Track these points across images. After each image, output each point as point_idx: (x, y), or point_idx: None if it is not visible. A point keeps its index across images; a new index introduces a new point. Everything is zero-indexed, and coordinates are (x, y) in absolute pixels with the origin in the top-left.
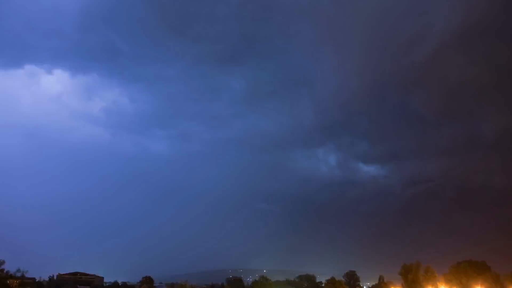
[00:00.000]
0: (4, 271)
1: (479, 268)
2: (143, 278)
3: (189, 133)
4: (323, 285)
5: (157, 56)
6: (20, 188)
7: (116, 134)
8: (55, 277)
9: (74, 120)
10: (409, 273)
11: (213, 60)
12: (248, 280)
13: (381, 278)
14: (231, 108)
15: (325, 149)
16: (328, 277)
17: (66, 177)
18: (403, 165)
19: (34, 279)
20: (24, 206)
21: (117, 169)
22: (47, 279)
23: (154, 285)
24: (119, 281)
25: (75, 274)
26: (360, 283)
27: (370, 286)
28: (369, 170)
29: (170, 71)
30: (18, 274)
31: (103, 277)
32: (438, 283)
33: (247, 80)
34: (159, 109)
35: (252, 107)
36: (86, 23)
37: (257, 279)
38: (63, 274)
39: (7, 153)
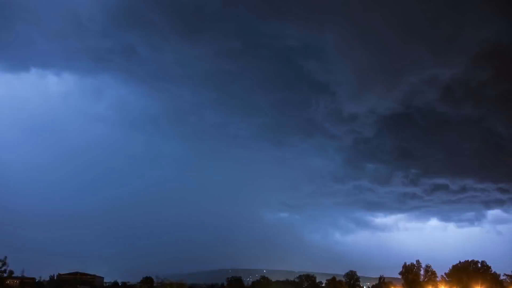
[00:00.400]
0: (6, 271)
1: (479, 268)
2: (143, 278)
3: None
4: (323, 285)
5: None
6: (21, 188)
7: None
8: (55, 277)
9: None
10: (409, 273)
11: None
12: (248, 280)
13: (381, 278)
14: None
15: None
16: (328, 277)
17: (67, 177)
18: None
19: (34, 279)
20: (25, 206)
21: (119, 168)
22: (47, 279)
23: (154, 285)
24: (119, 281)
25: (75, 274)
26: (360, 283)
27: (370, 286)
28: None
29: None
30: (18, 274)
31: (103, 277)
32: (438, 283)
33: None
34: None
35: None
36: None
37: (257, 279)
38: (63, 274)
39: (11, 153)
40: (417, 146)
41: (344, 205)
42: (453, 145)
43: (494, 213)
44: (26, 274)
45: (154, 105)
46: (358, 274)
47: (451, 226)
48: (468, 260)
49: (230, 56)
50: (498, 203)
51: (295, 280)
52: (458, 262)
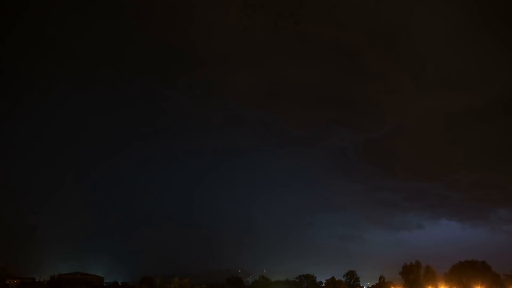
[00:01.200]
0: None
1: (479, 268)
2: (143, 278)
3: None
4: (323, 285)
5: None
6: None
7: None
8: (55, 277)
9: None
10: (409, 273)
11: None
12: (248, 280)
13: (381, 278)
14: None
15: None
16: (328, 277)
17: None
18: None
19: (34, 279)
20: (24, 205)
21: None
22: (47, 279)
23: (156, 285)
24: (119, 281)
25: (75, 274)
26: (360, 283)
27: (370, 286)
28: None
29: None
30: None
31: (103, 277)
32: (438, 283)
33: None
34: None
35: None
36: None
37: (257, 279)
38: (63, 274)
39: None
40: None
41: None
42: None
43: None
44: (26, 274)
45: None
46: (358, 274)
47: None
48: (468, 260)
49: None
50: None
51: (295, 280)
52: (458, 262)
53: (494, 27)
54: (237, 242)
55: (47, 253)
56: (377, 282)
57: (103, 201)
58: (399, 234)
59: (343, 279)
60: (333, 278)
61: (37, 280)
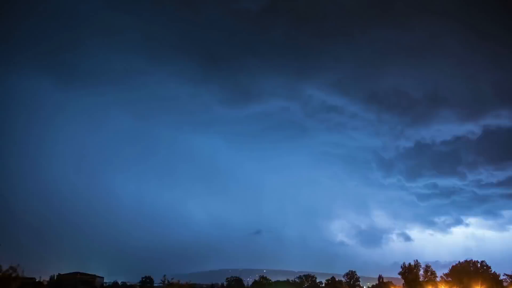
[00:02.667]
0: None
1: (479, 268)
2: (143, 278)
3: None
4: (323, 285)
5: None
6: (19, 187)
7: None
8: (55, 277)
9: None
10: (409, 273)
11: None
12: (248, 280)
13: (380, 278)
14: None
15: None
16: (328, 277)
17: (66, 176)
18: None
19: (34, 279)
20: (24, 205)
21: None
22: (47, 279)
23: (154, 285)
24: (119, 281)
25: (75, 274)
26: (360, 283)
27: (370, 286)
28: None
29: None
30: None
31: (103, 277)
32: (438, 283)
33: None
34: None
35: None
36: None
37: (257, 279)
38: (63, 274)
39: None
40: None
41: None
42: None
43: None
44: (26, 274)
45: None
46: (358, 274)
47: None
48: (468, 260)
49: None
50: None
51: (295, 280)
52: (458, 262)
53: None
54: (237, 242)
55: (47, 253)
56: (377, 282)
57: (104, 201)
58: None
59: (343, 279)
60: (333, 278)
61: (37, 280)
